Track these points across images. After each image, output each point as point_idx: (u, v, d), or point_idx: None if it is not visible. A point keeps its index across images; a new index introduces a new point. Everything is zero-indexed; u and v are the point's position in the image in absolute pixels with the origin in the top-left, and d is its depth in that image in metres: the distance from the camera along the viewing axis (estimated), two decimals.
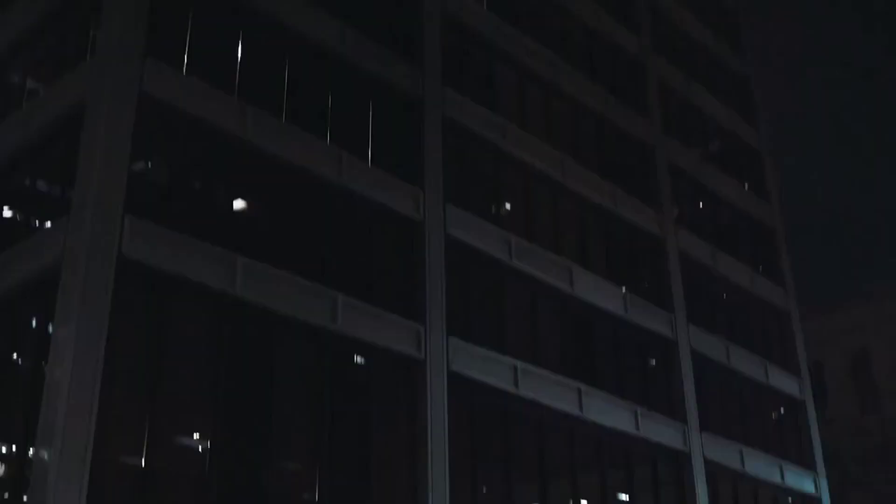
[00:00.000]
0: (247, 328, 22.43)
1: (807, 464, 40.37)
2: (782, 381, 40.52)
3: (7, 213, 24.21)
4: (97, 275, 19.51)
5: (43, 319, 20.70)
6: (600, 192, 33.99)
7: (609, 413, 30.60)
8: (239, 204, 23.79)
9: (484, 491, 27.49)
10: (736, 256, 40.55)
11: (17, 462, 20.13)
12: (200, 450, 21.45)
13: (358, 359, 24.94)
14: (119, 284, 19.81)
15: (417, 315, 25.75)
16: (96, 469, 18.41)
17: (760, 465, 37.04)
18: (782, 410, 41.15)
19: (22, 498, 18.88)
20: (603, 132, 36.09)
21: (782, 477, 38.21)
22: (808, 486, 39.84)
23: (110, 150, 20.68)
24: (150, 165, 22.48)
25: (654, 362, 34.70)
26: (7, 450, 20.87)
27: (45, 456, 18.19)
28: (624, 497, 31.74)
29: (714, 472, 34.71)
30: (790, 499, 39.15)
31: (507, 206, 31.51)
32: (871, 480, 51.08)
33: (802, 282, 48.09)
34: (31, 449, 19.10)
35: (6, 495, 19.82)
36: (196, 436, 21.52)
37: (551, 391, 28.73)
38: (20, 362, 22.06)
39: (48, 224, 21.94)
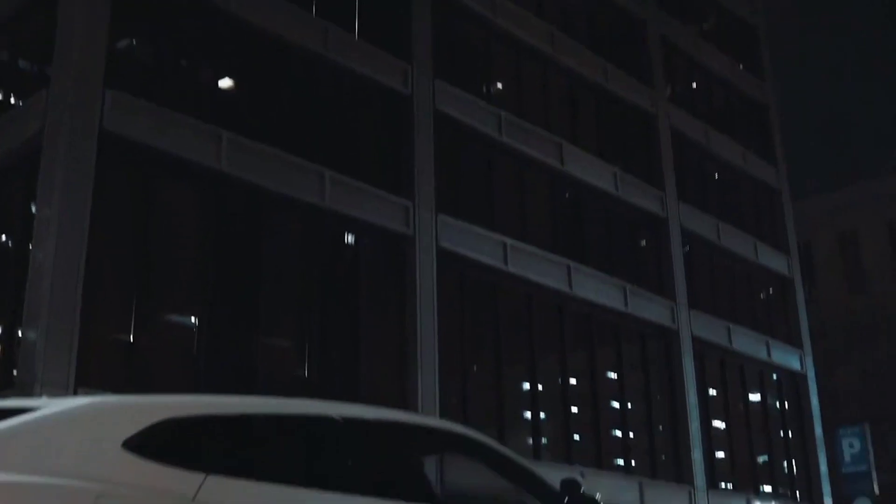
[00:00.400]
0: (233, 205, 22.22)
1: (793, 341, 40.79)
2: (771, 260, 40.65)
3: None
4: (79, 150, 19.14)
5: (25, 199, 20.41)
6: (592, 67, 33.42)
7: (598, 290, 30.68)
8: (223, 79, 23.32)
9: (474, 369, 27.72)
10: (729, 135, 40.19)
11: (6, 341, 20.09)
12: (188, 327, 21.45)
13: (346, 236, 24.81)
14: (102, 161, 19.46)
15: (406, 191, 25.51)
16: (84, 346, 18.40)
17: (747, 342, 37.40)
18: (770, 289, 41.39)
19: (12, 373, 18.90)
20: (594, 5, 35.31)
21: (769, 354, 38.61)
22: (794, 363, 40.35)
23: (89, 21, 20.09)
24: (132, 42, 21.93)
25: (643, 240, 34.71)
26: None
27: (32, 335, 18.13)
28: (612, 375, 32.07)
29: (701, 349, 35.03)
30: (776, 375, 39.69)
31: (497, 81, 31.02)
32: (856, 358, 51.75)
33: (795, 163, 47.87)
34: (18, 329, 19.03)
35: None
36: (184, 313, 21.50)
37: (540, 268, 28.71)
38: (6, 242, 21.86)
39: (27, 100, 21.45)
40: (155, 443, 4.16)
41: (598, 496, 5.83)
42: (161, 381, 20.41)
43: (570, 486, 5.56)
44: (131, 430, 4.11)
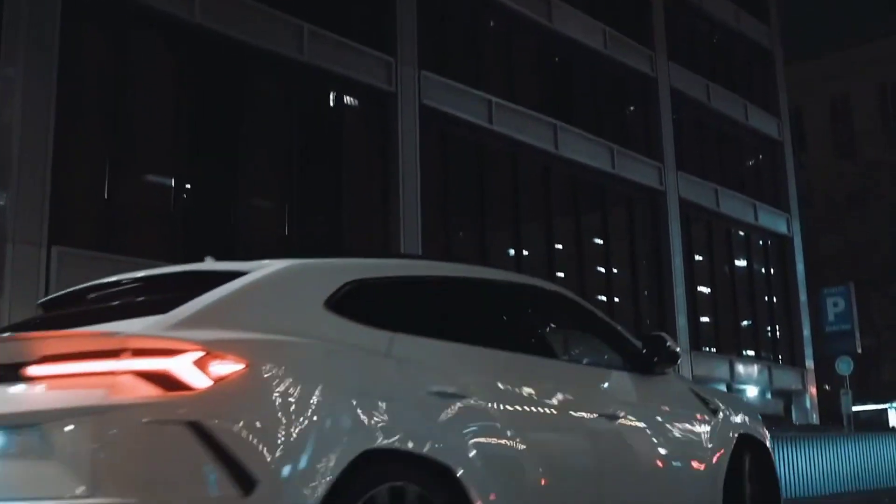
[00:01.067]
0: (209, 59, 21.39)
1: (781, 205, 40.55)
2: (761, 122, 40.03)
3: None
4: (43, 4, 18.24)
5: None
6: None
7: (585, 151, 30.14)
8: None
9: (457, 230, 27.34)
10: None
11: None
12: (165, 185, 20.93)
13: (327, 92, 24.07)
14: (68, 15, 18.56)
15: (388, 47, 24.66)
16: (56, 205, 17.92)
17: (735, 205, 37.13)
18: (760, 152, 40.91)
19: None
20: None
21: (756, 217, 38.40)
22: (780, 227, 40.20)
23: None
24: None
25: (632, 100, 33.98)
26: None
27: (3, 196, 17.61)
28: (598, 240, 31.81)
29: (688, 211, 34.74)
30: (763, 239, 39.57)
31: None
32: (842, 225, 51.65)
33: (788, 25, 46.74)
34: None
35: None
36: (160, 172, 20.92)
37: (526, 127, 28.09)
38: None
39: None
40: (350, 302, 4.44)
41: (678, 349, 6.08)
42: (137, 240, 20.01)
43: (655, 340, 5.97)
44: (330, 290, 4.42)
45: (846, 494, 19.33)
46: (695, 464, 5.76)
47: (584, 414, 5.15)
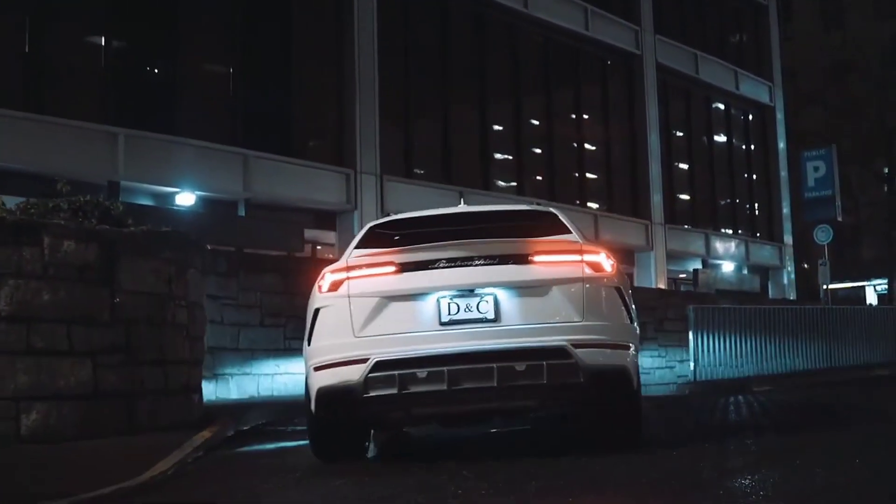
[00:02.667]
0: None
1: (764, 74, 38.91)
2: None
3: None
4: None
5: None
6: None
7: (557, 10, 28.29)
8: None
9: (419, 100, 25.67)
10: None
11: None
12: (95, 44, 19.30)
13: None
14: None
15: None
16: None
17: (715, 72, 35.51)
18: (743, 18, 39.01)
19: None
20: None
21: (737, 86, 36.81)
22: (762, 96, 38.64)
23: None
24: None
25: None
26: None
27: None
28: (569, 107, 30.26)
29: (666, 78, 33.14)
30: (743, 109, 38.04)
31: None
32: (826, 98, 50.05)
33: None
34: None
35: None
36: (92, 31, 19.26)
37: None
38: None
39: None
40: None
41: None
42: (66, 100, 18.48)
43: None
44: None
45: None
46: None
47: None
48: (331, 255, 22.62)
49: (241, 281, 13.87)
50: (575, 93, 30.40)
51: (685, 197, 35.02)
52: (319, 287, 6.82)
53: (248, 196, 20.89)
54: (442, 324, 6.49)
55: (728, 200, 37.14)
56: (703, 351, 15.83)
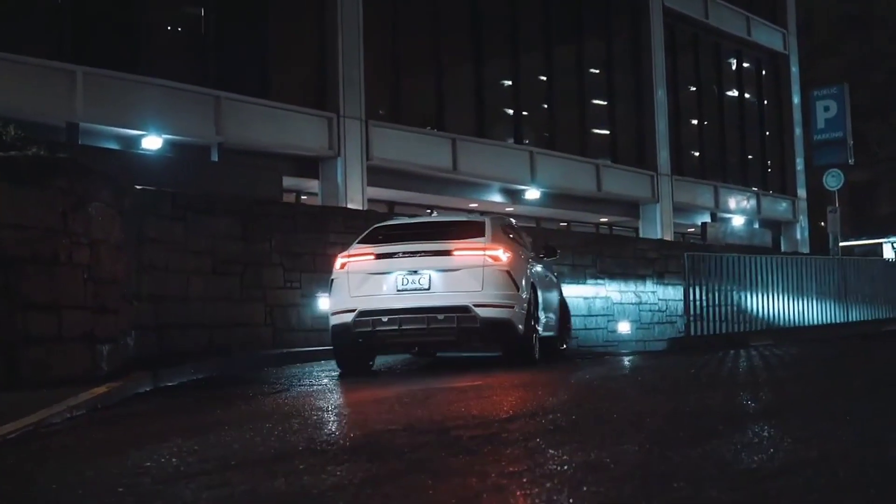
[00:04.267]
0: None
1: (778, 20, 37.29)
2: None
3: None
4: None
5: None
6: None
7: None
8: None
9: (406, 44, 24.32)
10: None
11: None
12: None
13: None
14: None
15: None
16: None
17: (726, 17, 33.90)
18: None
19: None
20: None
21: (749, 32, 35.23)
22: (776, 44, 37.02)
23: None
24: None
25: None
26: None
27: None
28: (573, 62, 28.87)
29: (673, 23, 31.65)
30: (756, 57, 36.47)
31: None
32: (842, 49, 48.32)
33: None
34: None
35: None
36: None
37: None
38: None
39: None
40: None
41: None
42: (19, 35, 17.24)
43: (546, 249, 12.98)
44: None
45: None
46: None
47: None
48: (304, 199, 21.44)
49: (190, 224, 12.71)
50: (577, 37, 28.99)
51: (693, 148, 33.63)
52: (334, 266, 10.88)
53: (221, 140, 19.65)
54: (398, 291, 10.50)
55: (739, 152, 35.70)
56: (698, 303, 14.57)
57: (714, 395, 7.13)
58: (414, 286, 10.31)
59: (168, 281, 12.17)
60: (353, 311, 10.30)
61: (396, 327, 10.26)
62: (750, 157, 36.30)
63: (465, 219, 12.06)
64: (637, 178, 30.13)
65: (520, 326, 10.46)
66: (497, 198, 26.27)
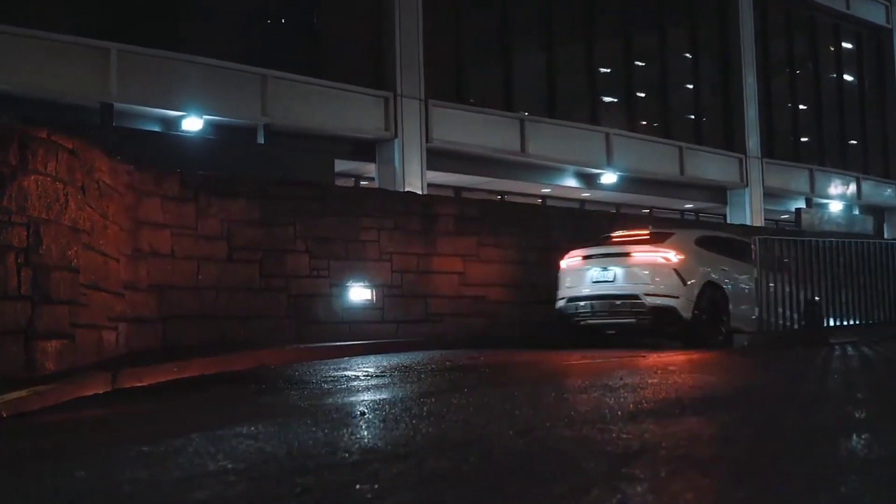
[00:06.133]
0: None
1: None
2: None
3: None
4: None
5: None
6: None
7: None
8: None
9: (469, 17, 22.94)
10: None
11: None
12: None
13: None
14: None
15: None
16: None
17: None
18: None
19: None
20: None
21: (847, 5, 32.89)
22: (878, 17, 34.54)
23: None
24: None
25: None
26: None
27: None
28: (653, 30, 27.14)
29: None
30: (854, 32, 34.08)
31: None
32: None
33: None
34: None
35: None
36: None
37: None
38: None
39: None
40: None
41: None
42: (51, 12, 16.39)
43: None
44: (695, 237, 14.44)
45: None
46: None
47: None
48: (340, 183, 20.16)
49: (202, 206, 11.54)
50: (657, 14, 27.23)
51: (786, 129, 31.49)
52: (558, 266, 13.76)
53: (268, 121, 18.55)
54: (592, 283, 13.27)
55: (837, 134, 33.39)
56: (769, 293, 12.93)
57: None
58: (603, 279, 13.10)
59: (175, 268, 11.03)
60: (564, 298, 13.42)
61: (590, 309, 13.11)
62: (848, 135, 33.92)
63: (659, 230, 14.28)
64: (724, 162, 28.25)
65: (685, 314, 12.72)
66: (571, 182, 24.72)
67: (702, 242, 13.74)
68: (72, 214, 7.56)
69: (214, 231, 11.55)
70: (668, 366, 8.89)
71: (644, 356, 10.33)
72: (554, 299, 13.60)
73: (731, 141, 28.71)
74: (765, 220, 29.15)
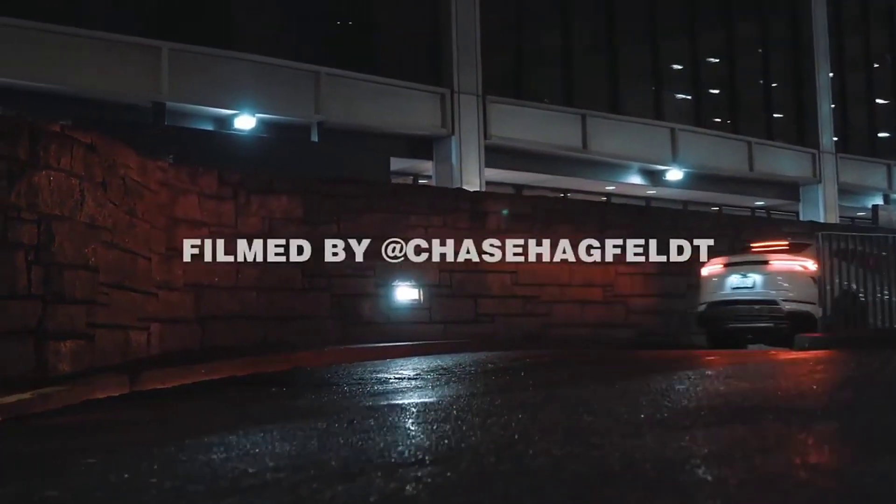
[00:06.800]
0: None
1: None
2: None
3: None
4: None
5: None
6: None
7: None
8: None
9: (528, 9, 22.48)
10: None
11: None
12: None
13: None
14: None
15: None
16: None
17: None
18: None
19: None
20: None
21: None
22: None
23: None
24: None
25: None
26: None
27: None
28: (718, 18, 26.39)
29: None
30: None
31: None
32: None
33: None
34: None
35: None
36: None
37: None
38: None
39: None
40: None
41: None
42: (102, 10, 16.37)
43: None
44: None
45: None
46: None
47: None
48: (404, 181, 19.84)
49: (241, 204, 11.31)
50: (724, 6, 26.49)
51: (862, 123, 30.43)
52: (699, 273, 14.28)
53: (322, 119, 18.34)
54: (732, 289, 13.78)
55: None
56: (832, 293, 12.59)
57: None
58: (743, 286, 13.64)
59: (213, 268, 10.80)
60: (705, 303, 13.99)
61: (730, 314, 13.54)
62: None
63: (798, 241, 14.72)
64: (796, 157, 27.37)
65: (815, 317, 13.06)
66: (636, 179, 24.13)
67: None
68: (89, 211, 7.33)
69: (255, 229, 11.30)
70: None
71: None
72: (695, 305, 14.29)
73: (803, 136, 27.82)
74: (839, 216, 28.18)
